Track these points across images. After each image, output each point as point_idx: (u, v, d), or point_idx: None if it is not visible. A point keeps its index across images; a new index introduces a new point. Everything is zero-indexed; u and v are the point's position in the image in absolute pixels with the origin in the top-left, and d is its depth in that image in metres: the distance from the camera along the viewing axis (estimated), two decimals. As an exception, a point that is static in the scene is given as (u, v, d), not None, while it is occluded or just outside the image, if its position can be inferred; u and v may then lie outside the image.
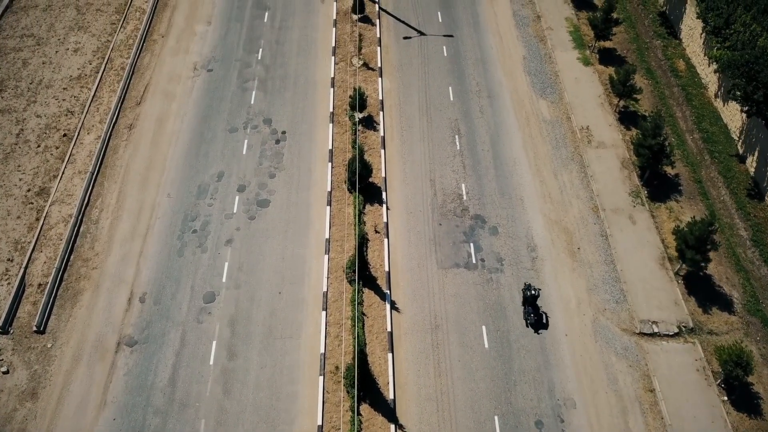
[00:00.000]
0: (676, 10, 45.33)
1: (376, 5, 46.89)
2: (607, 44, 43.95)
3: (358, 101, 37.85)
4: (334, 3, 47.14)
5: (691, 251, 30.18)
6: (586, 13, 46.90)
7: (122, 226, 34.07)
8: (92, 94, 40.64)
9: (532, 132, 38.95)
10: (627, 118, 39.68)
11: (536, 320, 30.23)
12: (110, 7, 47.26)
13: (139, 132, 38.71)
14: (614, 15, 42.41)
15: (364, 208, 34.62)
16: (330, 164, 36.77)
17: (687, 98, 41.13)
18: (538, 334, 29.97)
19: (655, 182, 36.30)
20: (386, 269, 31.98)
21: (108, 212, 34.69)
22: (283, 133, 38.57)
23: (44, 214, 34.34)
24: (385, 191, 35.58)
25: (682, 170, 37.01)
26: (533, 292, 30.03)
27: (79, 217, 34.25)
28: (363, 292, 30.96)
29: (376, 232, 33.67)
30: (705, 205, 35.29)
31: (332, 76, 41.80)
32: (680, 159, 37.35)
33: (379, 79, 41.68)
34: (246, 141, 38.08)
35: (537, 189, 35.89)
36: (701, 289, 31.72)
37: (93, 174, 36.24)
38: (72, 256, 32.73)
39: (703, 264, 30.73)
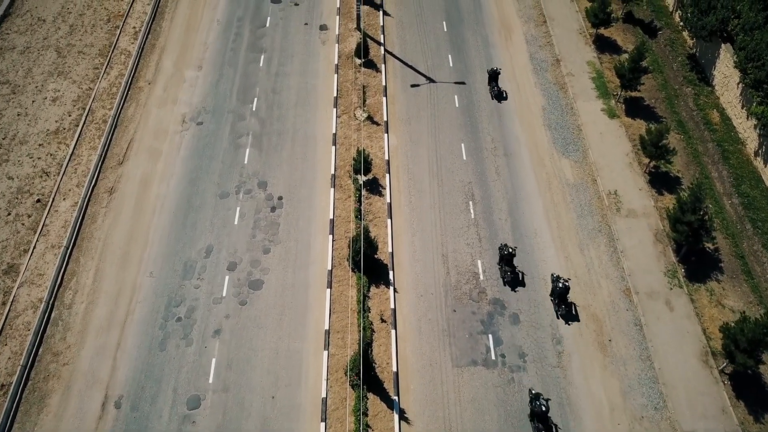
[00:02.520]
0: (707, 54, 41.59)
1: (381, 48, 43.22)
2: (634, 93, 40.21)
3: (363, 164, 34.15)
4: (336, 45, 43.49)
5: (743, 355, 26.48)
6: (609, 56, 43.18)
7: (98, 312, 30.42)
8: (70, 151, 37.04)
9: (555, 197, 35.24)
10: (659, 181, 35.96)
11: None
12: (93, 48, 43.64)
13: (120, 197, 35.06)
14: (644, 63, 38.62)
15: (368, 290, 30.94)
16: (331, 237, 33.10)
17: (723, 156, 37.39)
18: (568, 449, 26.32)
19: (693, 258, 32.57)
20: (394, 369, 28.29)
21: (83, 295, 31.04)
22: (280, 198, 34.90)
23: (11, 298, 30.72)
24: (393, 270, 31.89)
25: (722, 242, 33.27)
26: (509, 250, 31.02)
27: (51, 302, 30.61)
28: (367, 398, 27.28)
29: (383, 321, 29.99)
30: (749, 286, 31.55)
31: (334, 131, 38.13)
32: (719, 229, 33.62)
33: (385, 135, 38.00)
34: (238, 208, 34.40)
35: (562, 266, 32.16)
36: (751, 392, 27.99)
37: (68, 249, 32.60)
38: (41, 349, 29.08)
39: (755, 367, 27.06)
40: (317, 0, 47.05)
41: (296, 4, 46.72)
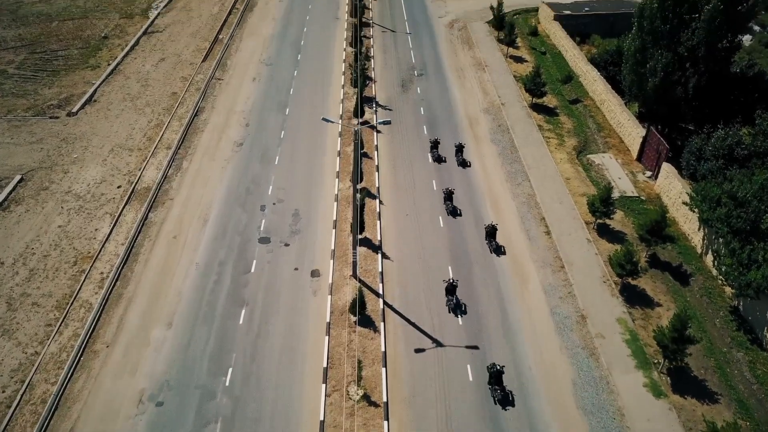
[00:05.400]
0: (755, 312, 36.19)
1: (380, 300, 37.87)
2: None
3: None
4: (328, 297, 38.16)
5: None
6: (641, 310, 37.77)
7: None
8: (-7, 447, 29.72)
9: None
10: (732, 493, 28.34)
11: None
12: (51, 299, 38.13)
13: None
14: (689, 332, 32.85)
15: None
16: None
17: (803, 450, 30.20)
18: None
19: None
20: None
21: None
22: None
23: None
24: None
25: None
26: None
27: None
28: None
29: None
30: None
31: (321, 418, 31.15)
32: None
33: (385, 423, 30.98)
34: None
35: None
36: None
37: None
38: None
39: None
40: (309, 240, 42.79)
41: (286, 245, 42.34)
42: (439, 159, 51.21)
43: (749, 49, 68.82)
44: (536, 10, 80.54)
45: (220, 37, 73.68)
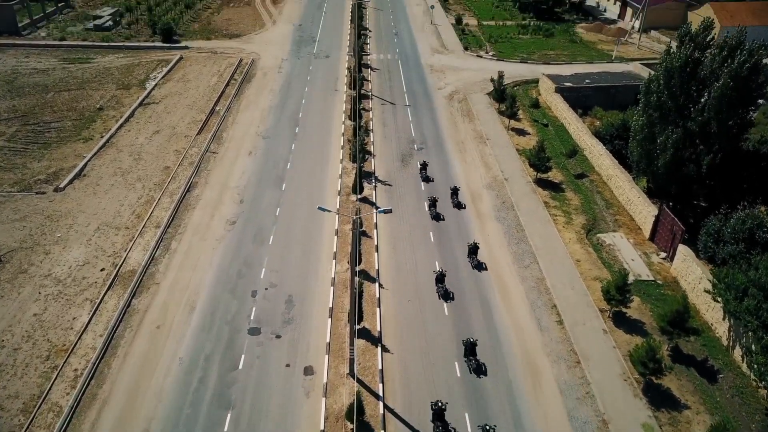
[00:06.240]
0: (795, 417, 32.77)
1: (380, 403, 34.35)
2: (715, 477, 30.42)
3: None
4: (323, 399, 34.63)
5: None
6: (667, 413, 34.30)
7: None
8: None
9: None
10: None
11: None
12: (17, 402, 34.36)
13: None
14: (725, 446, 29.42)
15: None
16: None
17: None
18: None
19: None
20: None
21: None
22: None
23: None
24: None
25: None
26: None
27: None
28: None
29: None
30: None
31: None
32: None
33: None
34: None
35: None
36: None
37: None
38: None
39: None
40: (303, 331, 39.59)
41: (278, 336, 39.10)
42: (442, 238, 48.64)
43: (755, 121, 67.57)
44: (536, 81, 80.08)
45: (217, 108, 72.60)
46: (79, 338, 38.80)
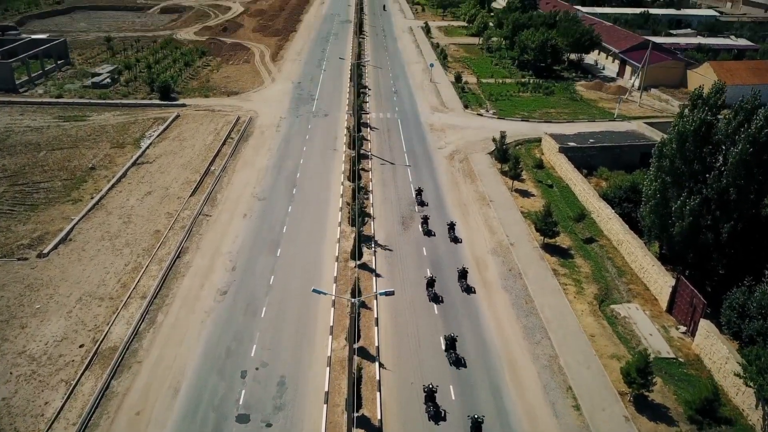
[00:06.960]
0: None
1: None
2: None
3: None
4: (317, 502, 31.00)
5: None
6: None
7: None
8: None
9: None
10: None
11: None
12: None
13: None
14: None
15: None
16: None
17: None
18: None
19: None
20: None
21: None
22: None
23: None
24: None
25: None
26: None
27: None
28: None
29: None
30: None
31: None
32: None
33: None
34: None
35: None
36: None
37: None
38: None
39: None
40: (296, 419, 36.10)
41: (268, 425, 35.60)
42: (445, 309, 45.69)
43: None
44: (538, 140, 78.63)
45: (212, 168, 70.62)
46: (50, 428, 35.23)
